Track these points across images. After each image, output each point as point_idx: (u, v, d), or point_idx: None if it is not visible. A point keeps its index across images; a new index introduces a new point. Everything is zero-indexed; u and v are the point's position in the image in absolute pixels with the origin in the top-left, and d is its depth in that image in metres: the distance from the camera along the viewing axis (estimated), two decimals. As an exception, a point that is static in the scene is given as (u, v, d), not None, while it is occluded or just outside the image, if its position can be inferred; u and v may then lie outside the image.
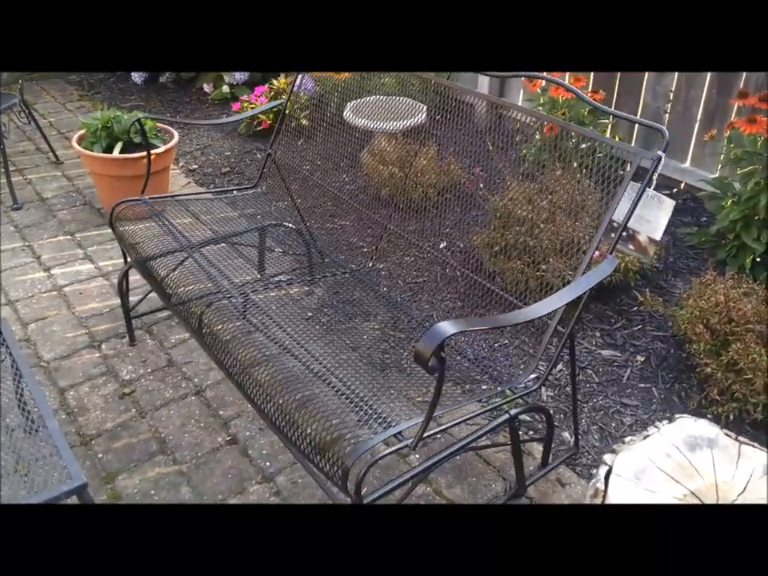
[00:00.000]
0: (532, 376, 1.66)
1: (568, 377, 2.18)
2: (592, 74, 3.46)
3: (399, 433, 1.34)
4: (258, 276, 2.08)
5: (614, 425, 2.01)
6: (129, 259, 2.17)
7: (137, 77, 4.82)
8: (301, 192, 2.53)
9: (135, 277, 2.58)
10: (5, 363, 1.55)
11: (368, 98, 2.47)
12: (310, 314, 2.33)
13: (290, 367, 1.56)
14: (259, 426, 2.00)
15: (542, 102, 3.14)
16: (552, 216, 2.28)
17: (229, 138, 4.04)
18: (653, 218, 1.57)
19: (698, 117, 3.11)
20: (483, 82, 3.89)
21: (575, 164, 1.68)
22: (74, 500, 1.27)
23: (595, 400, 2.10)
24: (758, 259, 2.43)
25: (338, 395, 1.49)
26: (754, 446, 1.39)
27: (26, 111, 3.50)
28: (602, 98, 3.20)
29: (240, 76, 4.40)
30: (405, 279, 2.66)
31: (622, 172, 1.57)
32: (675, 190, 3.25)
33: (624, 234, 1.60)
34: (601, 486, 1.32)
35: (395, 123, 2.46)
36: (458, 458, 1.90)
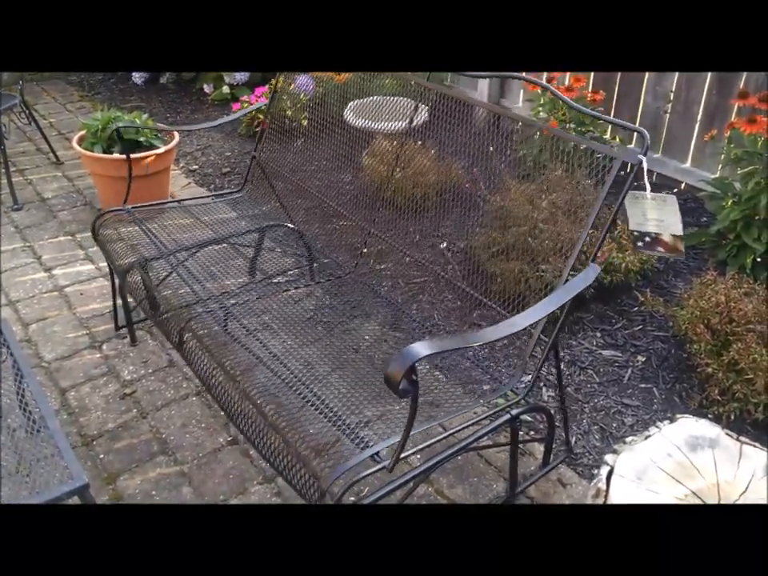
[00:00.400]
0: (527, 378, 1.66)
1: (568, 377, 2.18)
2: (592, 74, 3.46)
3: (377, 453, 1.31)
4: (249, 279, 2.07)
5: (614, 425, 2.01)
6: (130, 260, 2.17)
7: (137, 77, 4.82)
8: (299, 192, 2.53)
9: (142, 275, 2.58)
10: (6, 364, 1.55)
11: (368, 99, 2.47)
12: (309, 314, 2.33)
13: (266, 380, 1.52)
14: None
15: (542, 102, 3.14)
16: (552, 216, 2.28)
17: (229, 138, 4.04)
18: (665, 216, 1.58)
19: (699, 117, 3.11)
20: (483, 82, 3.89)
21: (575, 165, 1.68)
22: (75, 500, 1.27)
23: (596, 400, 2.10)
24: (759, 259, 2.43)
25: (317, 411, 1.46)
26: (755, 446, 1.39)
27: (27, 112, 3.51)
28: (602, 98, 3.21)
29: (240, 77, 4.40)
30: (405, 279, 2.66)
31: (623, 173, 1.57)
32: (675, 190, 3.25)
33: (647, 239, 1.61)
34: (602, 486, 1.32)
35: (395, 124, 2.46)
36: (459, 458, 1.90)
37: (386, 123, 2.45)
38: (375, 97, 2.46)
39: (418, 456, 1.92)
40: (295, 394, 1.50)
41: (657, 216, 1.58)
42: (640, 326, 2.39)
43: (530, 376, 1.89)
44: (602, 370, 2.22)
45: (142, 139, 2.99)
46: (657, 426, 1.45)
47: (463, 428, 1.46)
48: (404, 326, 2.16)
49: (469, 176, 2.42)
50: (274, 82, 2.39)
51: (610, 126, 3.29)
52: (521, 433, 1.97)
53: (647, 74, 3.25)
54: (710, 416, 1.98)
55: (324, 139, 2.45)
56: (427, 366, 1.94)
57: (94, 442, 1.96)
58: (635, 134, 3.40)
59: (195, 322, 1.71)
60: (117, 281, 2.22)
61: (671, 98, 3.18)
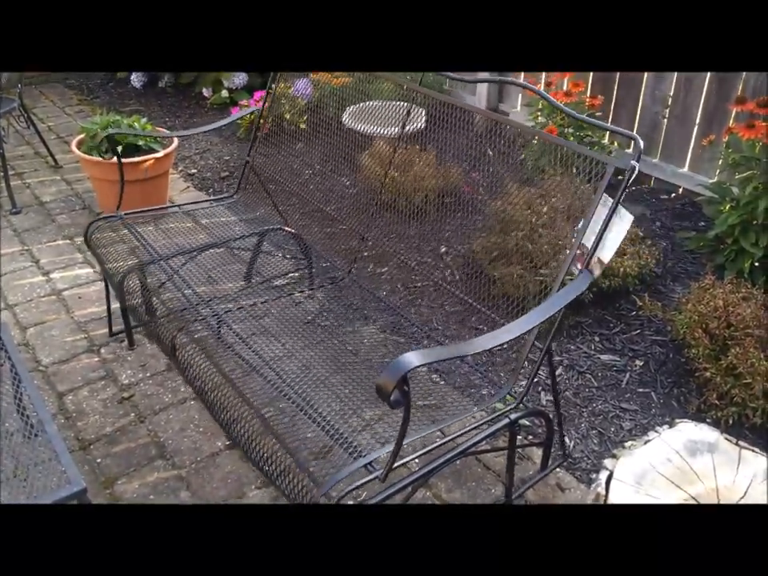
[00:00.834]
0: (523, 382, 1.66)
1: (566, 381, 2.18)
2: (590, 79, 3.47)
3: (370, 463, 1.31)
4: (245, 284, 2.07)
5: (613, 429, 2.01)
6: (121, 266, 2.17)
7: (136, 81, 4.82)
8: (296, 196, 2.53)
9: (135, 281, 2.57)
10: (4, 368, 1.55)
11: (366, 103, 2.48)
12: (310, 317, 2.33)
13: (258, 387, 1.52)
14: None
15: (540, 106, 3.15)
16: (552, 221, 2.28)
17: (228, 142, 4.04)
18: (612, 233, 1.48)
19: (697, 121, 3.12)
20: (482, 87, 3.90)
21: (574, 170, 1.68)
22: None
23: (594, 404, 2.10)
24: (757, 264, 2.43)
25: (311, 420, 1.45)
26: (754, 451, 1.39)
27: (25, 115, 3.51)
28: (601, 102, 3.22)
29: (239, 81, 4.41)
30: (405, 284, 2.66)
31: (620, 177, 1.57)
32: (673, 194, 3.26)
33: (578, 252, 1.52)
34: (602, 490, 1.32)
35: (394, 128, 2.47)
36: (457, 462, 1.89)
37: (385, 128, 2.45)
38: (374, 101, 2.47)
39: (417, 461, 1.92)
40: (288, 402, 1.50)
41: (608, 235, 1.48)
42: (638, 331, 2.39)
43: (526, 381, 1.89)
44: (600, 374, 2.22)
45: (141, 143, 2.99)
46: (656, 431, 1.45)
47: (462, 433, 1.46)
48: (403, 330, 2.16)
49: (468, 180, 2.42)
50: (273, 86, 2.40)
51: (607, 132, 3.29)
52: (519, 437, 1.97)
53: (645, 79, 3.26)
54: (708, 420, 1.98)
55: (322, 143, 2.46)
56: (425, 369, 1.94)
57: (92, 446, 1.95)
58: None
59: (188, 329, 1.71)
60: (121, 277, 2.22)
61: (669, 102, 3.19)
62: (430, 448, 1.40)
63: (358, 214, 2.27)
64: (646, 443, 1.42)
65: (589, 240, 1.49)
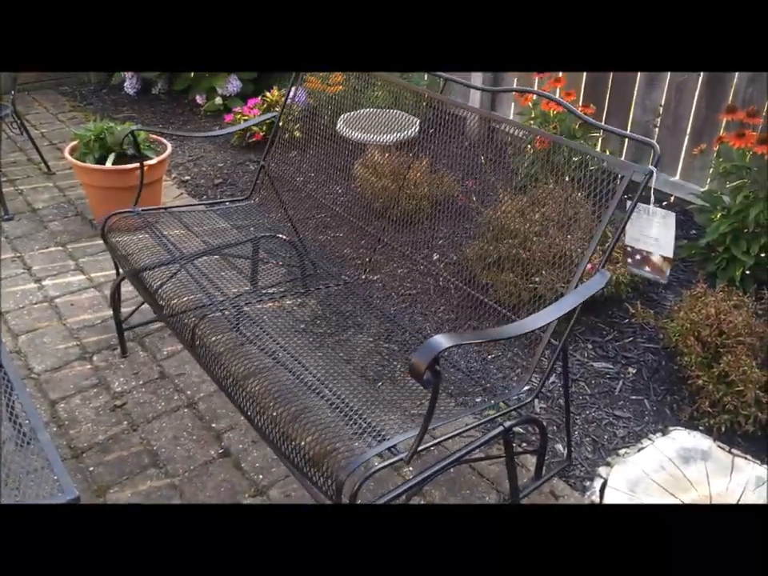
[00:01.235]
0: (525, 388, 1.66)
1: (560, 388, 2.19)
2: (582, 88, 3.49)
3: (394, 446, 1.34)
4: (251, 288, 2.07)
5: (606, 437, 2.02)
6: (121, 270, 2.16)
7: (129, 88, 4.82)
8: (294, 204, 2.53)
9: (127, 288, 2.57)
10: (-4, 375, 1.54)
11: (361, 111, 2.49)
12: (303, 325, 2.33)
13: (283, 380, 1.55)
14: (252, 439, 1.99)
15: (533, 115, 3.16)
16: (544, 229, 2.29)
17: (221, 149, 4.04)
18: (659, 234, 1.57)
19: (688, 131, 3.14)
20: (475, 96, 3.92)
21: (567, 178, 1.69)
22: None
23: (588, 412, 2.11)
24: (748, 272, 2.45)
25: (332, 408, 1.48)
26: (747, 458, 1.40)
27: (18, 122, 3.49)
28: (593, 112, 3.24)
29: (233, 87, 4.41)
30: (398, 291, 2.66)
31: (612, 185, 1.58)
32: (665, 203, 3.28)
33: (638, 257, 1.62)
34: (596, 498, 1.33)
35: (388, 136, 2.48)
36: (451, 470, 1.89)
37: (379, 135, 2.46)
38: (368, 109, 2.48)
39: (410, 468, 1.92)
40: (314, 393, 1.52)
41: (654, 234, 1.58)
42: (631, 338, 2.40)
43: (531, 383, 1.90)
44: (593, 381, 2.23)
45: (131, 152, 2.99)
46: (650, 439, 1.46)
47: (454, 436, 1.46)
48: (396, 338, 2.16)
49: (462, 187, 2.43)
50: (275, 92, 2.40)
51: (600, 140, 3.31)
52: (513, 445, 1.97)
53: (636, 88, 3.29)
54: (701, 428, 1.99)
55: (316, 151, 2.46)
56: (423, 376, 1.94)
57: (84, 455, 1.94)
58: (625, 147, 3.44)
59: (206, 322, 1.73)
60: (115, 284, 2.21)
61: (660, 111, 3.21)
62: (428, 445, 1.41)
63: (355, 221, 2.28)
64: (639, 451, 1.42)
65: (635, 241, 1.62)
